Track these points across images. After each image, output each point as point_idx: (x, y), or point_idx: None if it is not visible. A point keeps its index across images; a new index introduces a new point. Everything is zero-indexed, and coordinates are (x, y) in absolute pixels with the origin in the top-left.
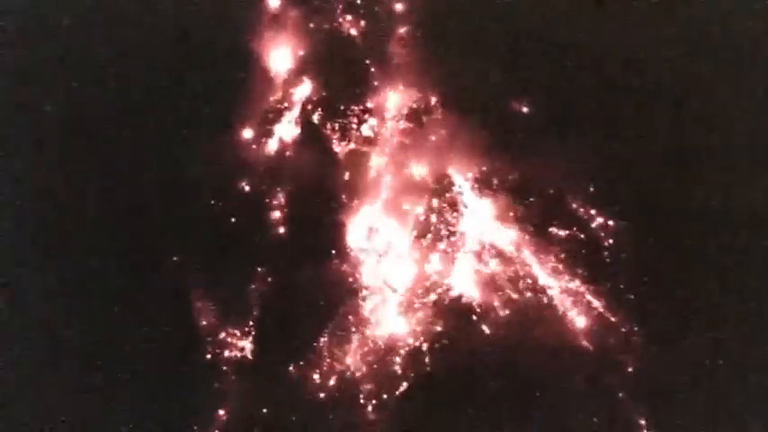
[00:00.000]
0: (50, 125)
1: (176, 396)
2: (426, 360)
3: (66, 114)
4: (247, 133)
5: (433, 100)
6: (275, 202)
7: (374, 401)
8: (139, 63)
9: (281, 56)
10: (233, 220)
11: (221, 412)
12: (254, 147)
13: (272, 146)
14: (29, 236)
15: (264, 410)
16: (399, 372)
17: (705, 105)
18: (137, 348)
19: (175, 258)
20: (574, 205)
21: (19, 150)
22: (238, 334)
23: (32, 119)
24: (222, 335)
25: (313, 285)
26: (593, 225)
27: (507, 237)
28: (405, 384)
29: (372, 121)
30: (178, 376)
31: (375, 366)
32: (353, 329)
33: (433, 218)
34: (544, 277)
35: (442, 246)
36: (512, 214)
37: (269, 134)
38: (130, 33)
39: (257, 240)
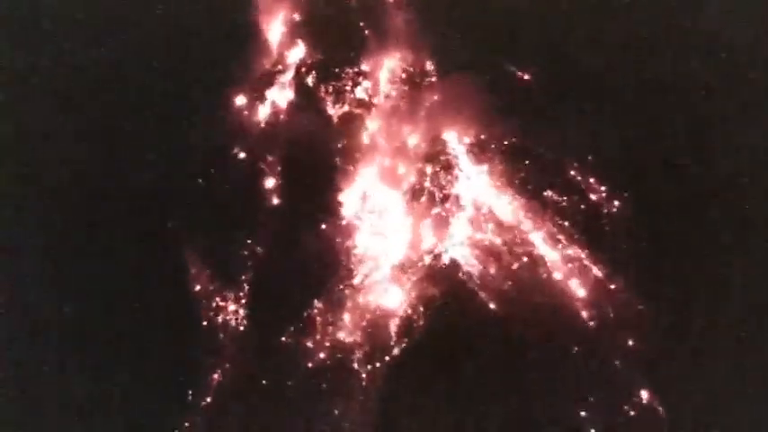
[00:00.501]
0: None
1: (172, 362)
2: (420, 324)
3: (65, 89)
4: (242, 97)
5: (428, 64)
6: (270, 167)
7: (367, 366)
8: (136, 30)
9: (276, 19)
10: (228, 186)
11: (215, 376)
12: (248, 110)
13: (266, 109)
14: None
15: (259, 376)
16: (393, 336)
17: (705, 79)
18: (133, 315)
19: (170, 225)
20: (572, 173)
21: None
22: (233, 297)
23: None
24: (217, 301)
25: (307, 250)
26: (591, 193)
27: (503, 202)
28: (398, 349)
29: (367, 84)
30: (173, 344)
31: (369, 331)
32: (347, 294)
33: (428, 182)
34: (541, 243)
35: (436, 210)
36: (507, 179)
37: (263, 97)
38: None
39: (252, 205)
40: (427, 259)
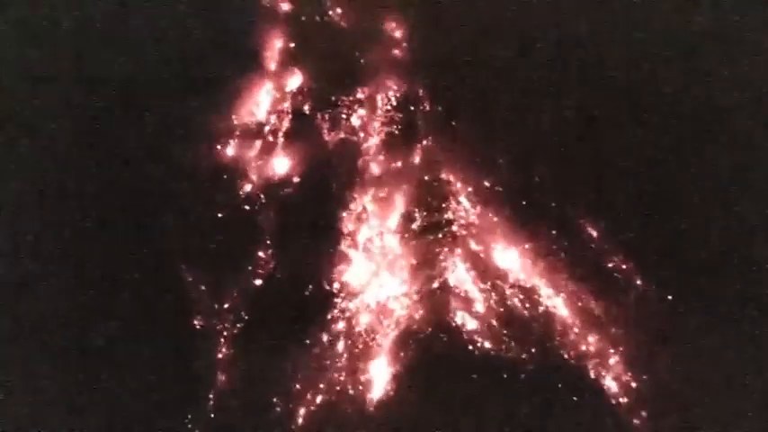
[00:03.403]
0: (48, 128)
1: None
2: (411, 354)
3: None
4: (239, 124)
5: (421, 92)
6: (264, 194)
7: (361, 400)
8: (132, 59)
9: (272, 48)
10: (221, 211)
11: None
12: (244, 137)
13: (263, 135)
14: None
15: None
16: (385, 370)
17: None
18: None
19: (168, 249)
20: (579, 224)
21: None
22: (224, 328)
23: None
24: (208, 332)
25: (301, 276)
26: (598, 250)
27: (498, 231)
28: (389, 383)
29: (362, 112)
30: (167, 365)
31: (361, 365)
32: (339, 328)
33: (423, 213)
34: (541, 285)
35: (430, 243)
36: (504, 219)
37: (260, 125)
38: (123, 31)
39: (248, 231)
40: (418, 286)
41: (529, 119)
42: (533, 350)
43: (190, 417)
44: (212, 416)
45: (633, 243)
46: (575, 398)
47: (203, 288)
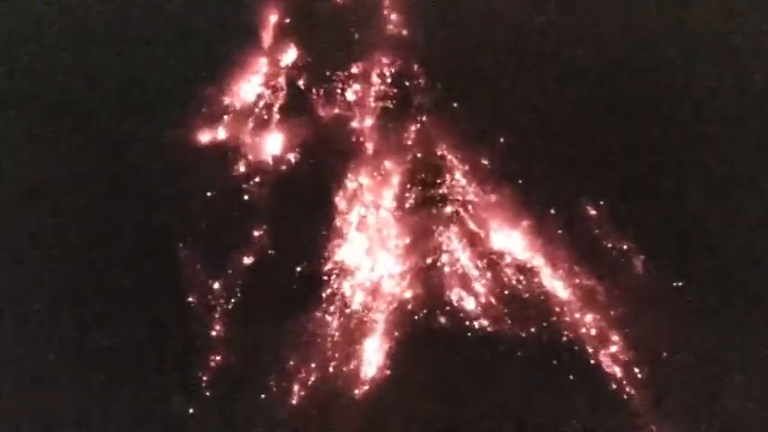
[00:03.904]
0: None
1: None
2: (406, 331)
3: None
4: (233, 99)
5: (416, 68)
6: (259, 170)
7: (357, 382)
8: (129, 39)
9: (268, 23)
10: (217, 191)
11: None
12: (239, 114)
13: (258, 111)
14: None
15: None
16: (380, 349)
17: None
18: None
19: (165, 228)
20: (578, 206)
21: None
22: (224, 303)
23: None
24: (209, 303)
25: (295, 253)
26: (597, 229)
27: (491, 204)
28: (385, 364)
29: (357, 87)
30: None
31: (356, 346)
32: (335, 298)
33: (418, 189)
34: (539, 263)
35: (425, 219)
36: (495, 181)
37: (256, 99)
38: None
39: (242, 208)
40: (412, 262)
41: (527, 97)
42: (532, 329)
43: (183, 395)
44: (207, 394)
45: (632, 223)
46: (571, 377)
47: (198, 266)
